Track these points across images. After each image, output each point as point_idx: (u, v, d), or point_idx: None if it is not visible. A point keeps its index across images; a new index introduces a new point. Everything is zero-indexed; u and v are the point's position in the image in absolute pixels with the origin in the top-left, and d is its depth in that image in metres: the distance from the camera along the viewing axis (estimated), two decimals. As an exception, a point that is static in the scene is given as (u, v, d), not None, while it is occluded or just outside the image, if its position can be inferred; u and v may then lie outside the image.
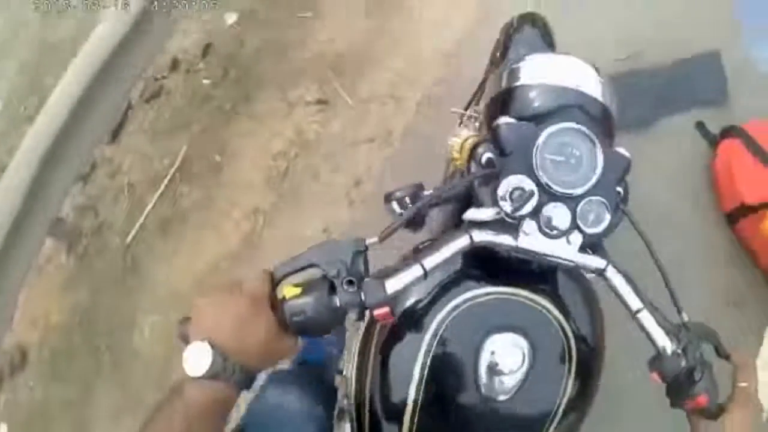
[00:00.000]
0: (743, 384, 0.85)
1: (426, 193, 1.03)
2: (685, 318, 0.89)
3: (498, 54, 1.57)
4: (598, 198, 0.89)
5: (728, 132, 2.30)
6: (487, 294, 0.98)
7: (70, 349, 2.43)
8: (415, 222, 1.04)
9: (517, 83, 1.05)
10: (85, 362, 2.38)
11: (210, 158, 2.57)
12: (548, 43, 1.55)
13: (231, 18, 2.86)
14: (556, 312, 0.99)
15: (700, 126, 2.47)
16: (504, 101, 1.07)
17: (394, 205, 0.99)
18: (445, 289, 0.98)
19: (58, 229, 2.45)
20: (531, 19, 1.60)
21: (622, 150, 0.94)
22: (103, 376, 2.34)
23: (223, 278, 2.31)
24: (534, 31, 1.59)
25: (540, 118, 0.94)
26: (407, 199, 1.01)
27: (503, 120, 0.94)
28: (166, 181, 2.58)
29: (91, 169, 2.74)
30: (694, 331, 0.87)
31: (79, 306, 2.48)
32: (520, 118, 0.95)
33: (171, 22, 2.35)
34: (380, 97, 2.50)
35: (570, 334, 0.99)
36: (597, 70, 1.03)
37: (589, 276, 0.93)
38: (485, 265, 0.98)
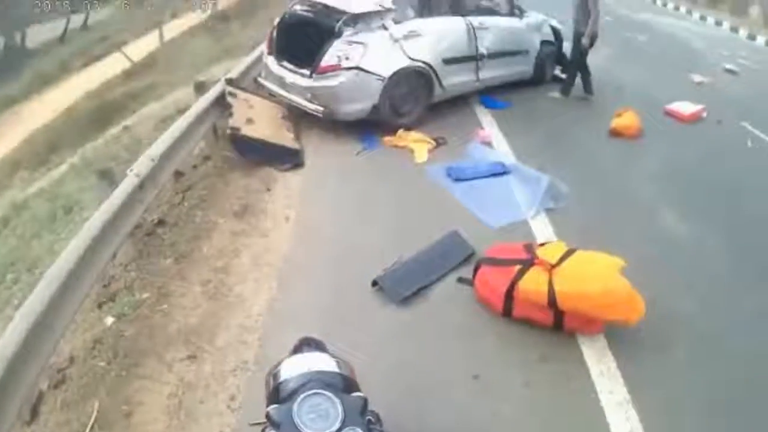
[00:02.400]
0: None
1: None
2: None
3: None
4: (350, 428, 1.43)
5: (477, 266, 4.04)
6: None
7: None
8: None
9: (278, 381, 1.66)
10: None
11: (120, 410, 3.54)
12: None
13: (109, 320, 4.10)
14: None
15: (461, 279, 4.17)
16: (273, 394, 1.66)
17: None
18: None
19: None
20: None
21: (358, 393, 1.59)
22: None
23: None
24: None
25: (294, 395, 1.50)
26: None
27: (271, 407, 1.51)
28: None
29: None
30: None
31: None
32: (285, 401, 1.53)
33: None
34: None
35: None
36: (337, 362, 1.75)
37: None
38: None
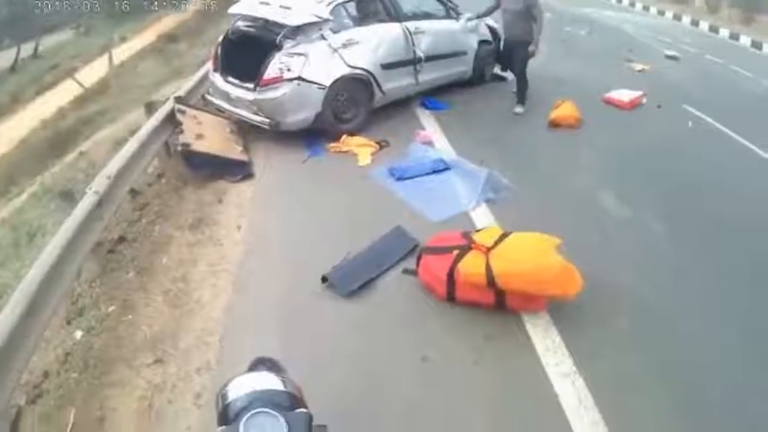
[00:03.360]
0: None
1: None
2: None
3: None
4: None
5: (419, 256, 4.34)
6: None
7: None
8: None
9: (227, 401, 1.67)
10: None
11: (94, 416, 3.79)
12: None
13: (78, 334, 4.35)
14: None
15: (406, 270, 4.47)
16: (222, 415, 1.67)
17: None
18: None
19: None
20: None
21: (302, 410, 1.62)
22: None
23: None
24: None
25: (241, 414, 1.53)
26: None
27: (219, 429, 1.57)
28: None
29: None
30: None
31: None
32: (233, 420, 1.56)
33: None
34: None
35: None
36: (282, 380, 1.73)
37: None
38: None
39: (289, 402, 1.70)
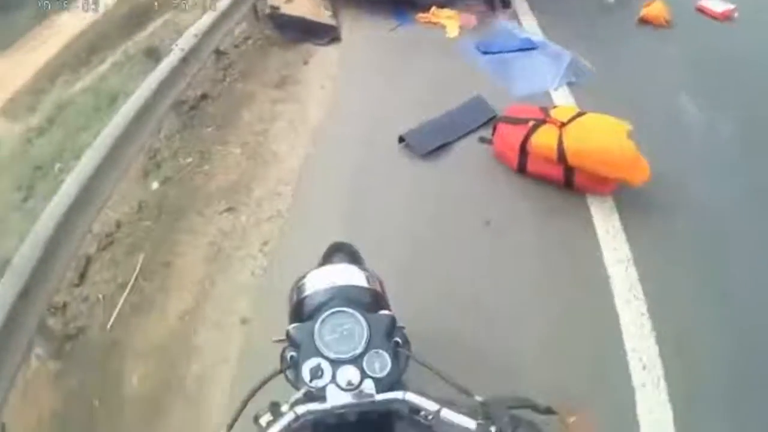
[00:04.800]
0: None
1: None
2: (479, 399, 1.14)
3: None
4: (375, 351, 1.24)
5: (495, 125, 4.16)
6: None
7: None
8: None
9: (302, 295, 1.52)
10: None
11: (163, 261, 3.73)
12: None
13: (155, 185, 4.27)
14: None
15: (482, 139, 4.32)
16: (296, 311, 1.52)
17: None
18: None
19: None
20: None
21: (385, 312, 1.36)
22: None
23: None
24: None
25: (317, 312, 1.33)
26: None
27: (291, 326, 1.32)
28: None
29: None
30: (494, 402, 1.12)
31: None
32: (309, 318, 1.35)
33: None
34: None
35: None
36: (366, 275, 1.56)
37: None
38: (333, 429, 1.21)
39: (372, 300, 1.52)
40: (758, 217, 3.88)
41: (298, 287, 1.57)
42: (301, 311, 1.51)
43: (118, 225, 3.98)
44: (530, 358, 2.87)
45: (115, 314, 3.35)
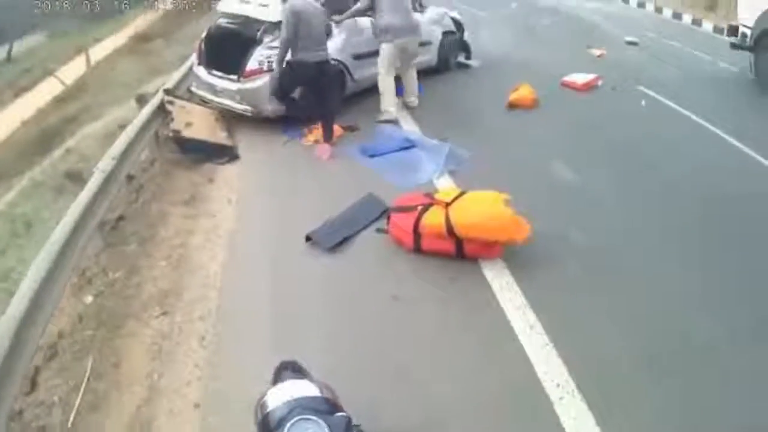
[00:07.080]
0: None
1: None
2: None
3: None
4: None
5: (388, 215, 4.94)
6: None
7: None
8: None
9: (266, 411, 1.73)
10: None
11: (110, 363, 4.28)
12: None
13: (89, 299, 4.83)
14: None
15: (379, 230, 5.05)
16: (263, 425, 1.73)
17: None
18: None
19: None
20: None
21: (341, 414, 1.64)
22: None
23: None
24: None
25: (283, 422, 1.57)
26: None
27: None
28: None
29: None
30: None
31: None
32: (276, 430, 1.59)
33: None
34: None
35: None
36: (317, 386, 1.81)
37: None
38: None
39: (327, 406, 1.77)
40: (632, 253, 4.78)
41: (260, 405, 1.78)
42: (267, 425, 1.72)
43: (61, 336, 4.48)
44: (455, 412, 3.35)
45: (74, 412, 3.80)
